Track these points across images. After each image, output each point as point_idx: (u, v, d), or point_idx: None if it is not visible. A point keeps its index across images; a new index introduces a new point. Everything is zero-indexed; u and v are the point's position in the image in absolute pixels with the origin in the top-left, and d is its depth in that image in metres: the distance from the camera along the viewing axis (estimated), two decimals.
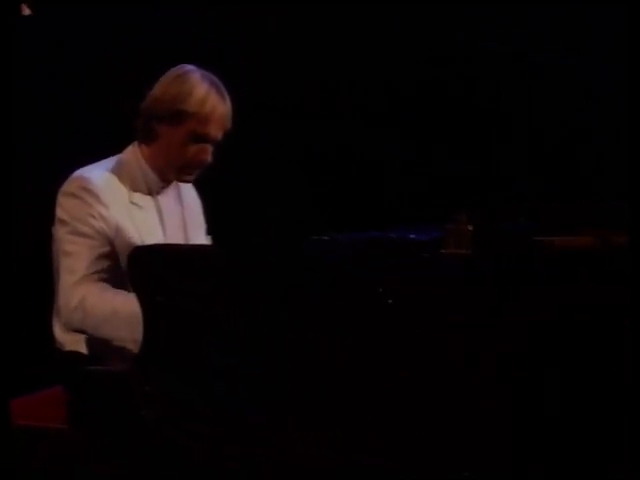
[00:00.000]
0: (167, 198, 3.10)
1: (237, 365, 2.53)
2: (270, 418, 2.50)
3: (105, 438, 2.68)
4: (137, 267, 2.64)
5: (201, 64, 3.10)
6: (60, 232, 2.92)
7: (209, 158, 2.99)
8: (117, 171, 3.00)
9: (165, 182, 3.06)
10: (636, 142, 2.77)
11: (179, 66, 3.03)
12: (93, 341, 2.92)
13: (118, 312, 2.82)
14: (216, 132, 2.96)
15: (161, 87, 2.99)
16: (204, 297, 2.56)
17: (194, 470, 2.54)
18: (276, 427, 2.51)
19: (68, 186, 2.94)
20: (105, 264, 2.93)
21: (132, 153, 3.03)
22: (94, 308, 2.85)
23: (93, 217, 2.88)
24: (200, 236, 3.21)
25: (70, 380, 2.82)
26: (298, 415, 2.50)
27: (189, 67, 3.01)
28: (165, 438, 2.55)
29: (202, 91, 2.94)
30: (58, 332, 2.98)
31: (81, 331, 2.89)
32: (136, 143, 3.04)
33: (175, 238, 3.07)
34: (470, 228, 2.57)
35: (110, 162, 3.04)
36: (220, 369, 2.55)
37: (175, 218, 3.11)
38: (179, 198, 3.16)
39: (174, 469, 2.55)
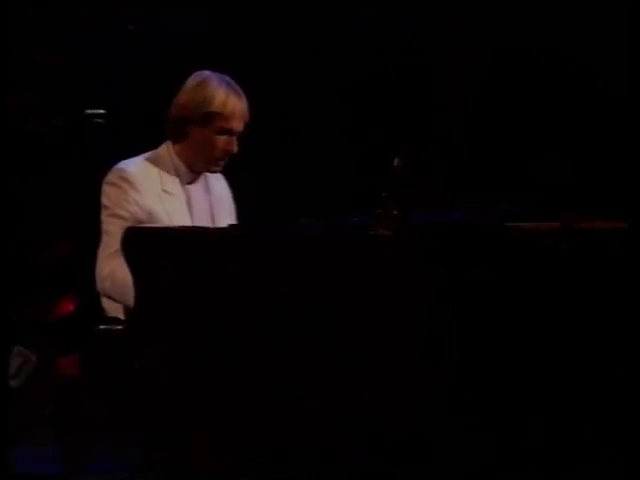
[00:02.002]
0: (196, 188, 3.53)
1: (210, 333, 2.99)
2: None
3: (105, 383, 3.14)
4: (129, 245, 3.06)
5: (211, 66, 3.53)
6: (103, 215, 3.39)
7: (235, 148, 3.46)
8: (152, 163, 3.48)
9: (194, 173, 3.51)
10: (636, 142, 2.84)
11: (197, 74, 3.50)
12: (127, 309, 3.30)
13: None
14: (238, 125, 3.45)
15: (185, 95, 3.48)
16: (184, 272, 3.01)
17: (170, 410, 3.01)
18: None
19: (109, 176, 3.41)
20: None
21: (165, 149, 3.50)
22: (121, 279, 3.23)
23: (128, 202, 3.35)
24: (228, 221, 3.56)
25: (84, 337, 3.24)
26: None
27: (206, 73, 3.49)
28: (151, 386, 3.01)
29: (222, 94, 3.42)
30: (103, 301, 3.43)
31: (109, 297, 3.37)
32: (169, 142, 3.51)
33: (202, 223, 3.49)
34: (395, 212, 2.95)
35: (146, 156, 3.51)
36: (193, 333, 3.00)
37: (203, 205, 3.54)
38: (207, 188, 3.57)
39: (156, 411, 3.03)
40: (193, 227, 3.39)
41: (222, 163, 3.49)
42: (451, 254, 2.92)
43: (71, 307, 3.49)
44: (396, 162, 3.06)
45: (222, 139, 3.42)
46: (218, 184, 3.62)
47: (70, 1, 4.83)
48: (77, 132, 4.84)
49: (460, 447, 2.88)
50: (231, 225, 3.40)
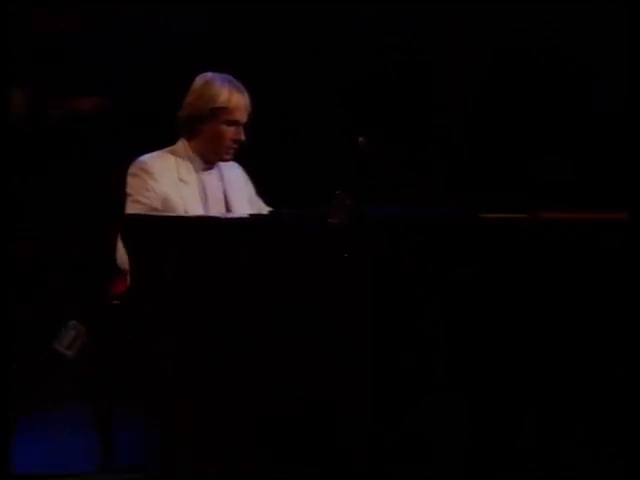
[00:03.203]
0: (210, 177, 3.92)
1: (210, 324, 3.23)
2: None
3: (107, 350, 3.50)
4: (126, 232, 3.45)
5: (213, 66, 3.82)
6: (127, 202, 3.82)
7: (243, 137, 3.85)
8: (170, 156, 3.89)
9: (207, 164, 3.91)
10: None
11: (201, 76, 3.87)
12: None
13: None
14: (242, 116, 3.85)
15: (193, 95, 3.87)
16: (179, 259, 3.31)
17: (160, 371, 3.28)
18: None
19: (131, 168, 3.84)
20: None
21: (181, 145, 3.92)
22: None
23: (147, 190, 3.77)
24: (243, 205, 3.96)
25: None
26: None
27: (209, 75, 3.87)
28: (142, 353, 3.30)
29: (226, 91, 3.82)
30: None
31: (126, 270, 3.67)
32: (183, 139, 3.90)
33: (216, 209, 3.90)
34: (349, 204, 3.26)
35: (165, 150, 3.92)
36: (194, 324, 3.26)
37: (217, 193, 3.92)
38: (221, 176, 3.95)
39: (148, 374, 3.30)
40: (191, 216, 3.71)
41: (232, 152, 3.88)
42: (405, 245, 3.20)
43: (123, 288, 3.76)
44: (360, 140, 3.42)
45: (230, 130, 3.82)
46: (232, 171, 3.98)
47: (70, 1, 4.83)
48: (77, 132, 4.85)
49: (460, 447, 2.89)
50: (251, 215, 3.72)
